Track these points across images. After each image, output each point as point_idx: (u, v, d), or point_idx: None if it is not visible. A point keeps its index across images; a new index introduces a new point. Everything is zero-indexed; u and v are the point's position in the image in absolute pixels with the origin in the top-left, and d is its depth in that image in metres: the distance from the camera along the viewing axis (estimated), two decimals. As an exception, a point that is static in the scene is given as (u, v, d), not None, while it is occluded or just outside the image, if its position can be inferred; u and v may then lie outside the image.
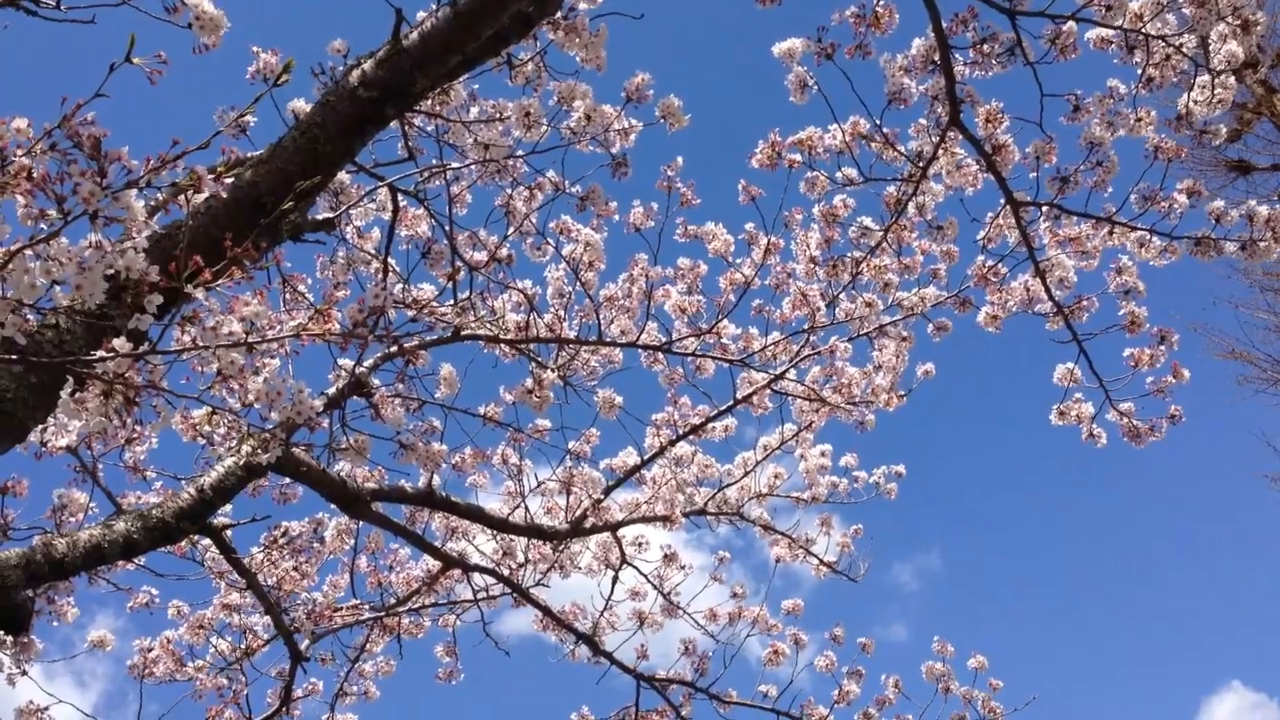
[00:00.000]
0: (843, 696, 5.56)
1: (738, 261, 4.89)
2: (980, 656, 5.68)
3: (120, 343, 2.10)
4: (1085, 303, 4.47)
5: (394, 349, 3.95)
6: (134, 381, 2.10)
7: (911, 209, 4.40)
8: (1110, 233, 4.27)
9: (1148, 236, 4.21)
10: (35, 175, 2.12)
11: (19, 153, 2.11)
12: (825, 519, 5.96)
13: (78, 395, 2.07)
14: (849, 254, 4.72)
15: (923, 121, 4.05)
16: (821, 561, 5.87)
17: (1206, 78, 3.78)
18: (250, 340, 2.26)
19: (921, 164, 4.12)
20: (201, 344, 2.25)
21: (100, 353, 2.11)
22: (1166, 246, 4.18)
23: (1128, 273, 4.45)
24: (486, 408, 4.67)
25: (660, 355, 4.98)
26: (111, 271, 2.16)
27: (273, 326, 2.33)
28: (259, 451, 3.31)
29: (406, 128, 3.81)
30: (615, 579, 5.43)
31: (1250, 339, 12.21)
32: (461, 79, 3.61)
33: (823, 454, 5.86)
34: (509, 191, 4.12)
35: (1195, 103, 3.81)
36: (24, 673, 3.58)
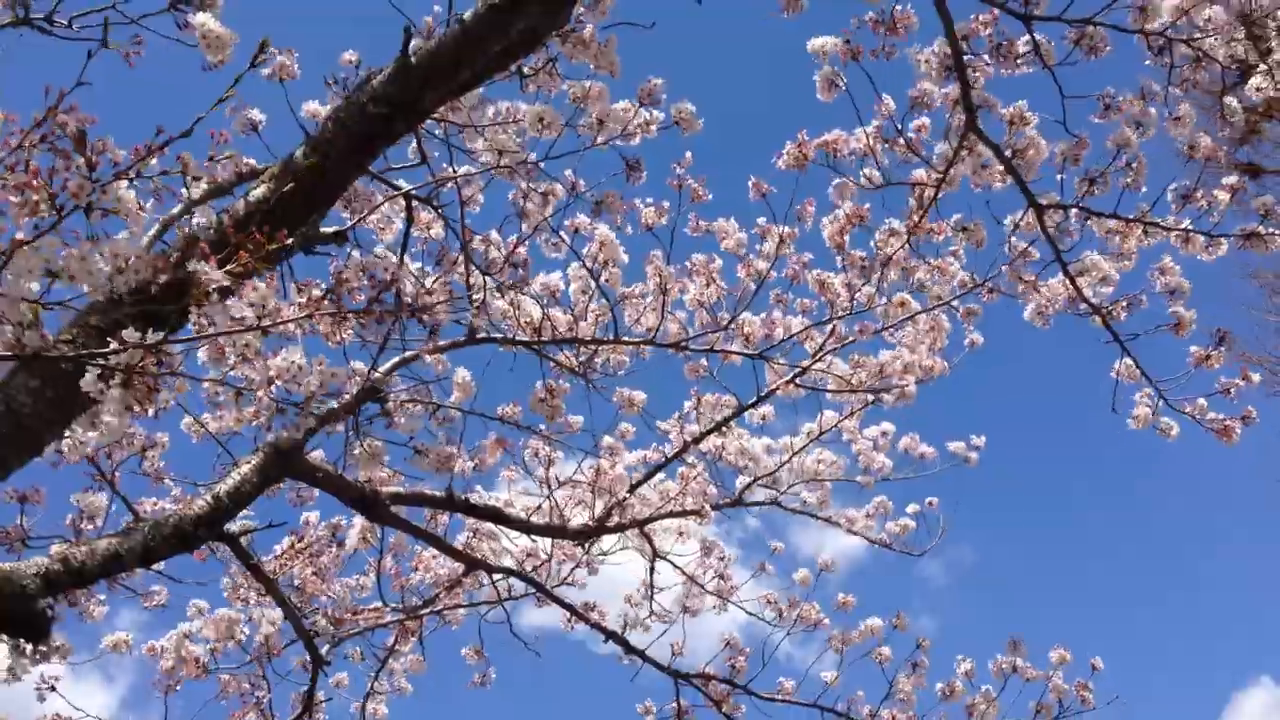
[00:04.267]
0: (899, 689, 5.45)
1: (752, 256, 4.88)
2: (1063, 650, 5.46)
3: (130, 333, 2.10)
4: (1125, 303, 4.41)
5: (409, 354, 3.95)
6: (151, 369, 2.10)
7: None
8: (1144, 232, 4.20)
9: (1189, 233, 4.13)
10: (29, 169, 2.13)
11: (10, 143, 2.12)
12: (881, 503, 5.96)
13: (100, 387, 2.08)
14: (874, 253, 4.70)
15: (947, 119, 4.02)
16: (874, 541, 5.83)
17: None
18: (264, 324, 2.26)
19: (942, 168, 4.08)
20: (212, 331, 2.26)
21: (114, 344, 2.12)
22: (1211, 242, 4.09)
23: (1171, 272, 4.38)
24: (506, 408, 4.65)
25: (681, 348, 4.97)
26: (110, 264, 2.17)
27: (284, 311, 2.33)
28: (285, 434, 3.31)
29: (419, 129, 3.81)
30: (652, 569, 5.40)
31: (1261, 342, 12.05)
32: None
33: (884, 434, 5.82)
34: (524, 186, 4.09)
35: (1258, 89, 3.72)
36: (52, 688, 3.58)
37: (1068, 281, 4.39)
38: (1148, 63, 3.77)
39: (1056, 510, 18.61)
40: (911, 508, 6.03)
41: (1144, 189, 4.07)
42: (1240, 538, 17.95)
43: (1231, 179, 4.12)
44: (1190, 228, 4.11)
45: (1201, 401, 4.53)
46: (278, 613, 4.69)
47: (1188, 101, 3.92)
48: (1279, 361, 11.63)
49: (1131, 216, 4.15)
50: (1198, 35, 3.63)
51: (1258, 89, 3.82)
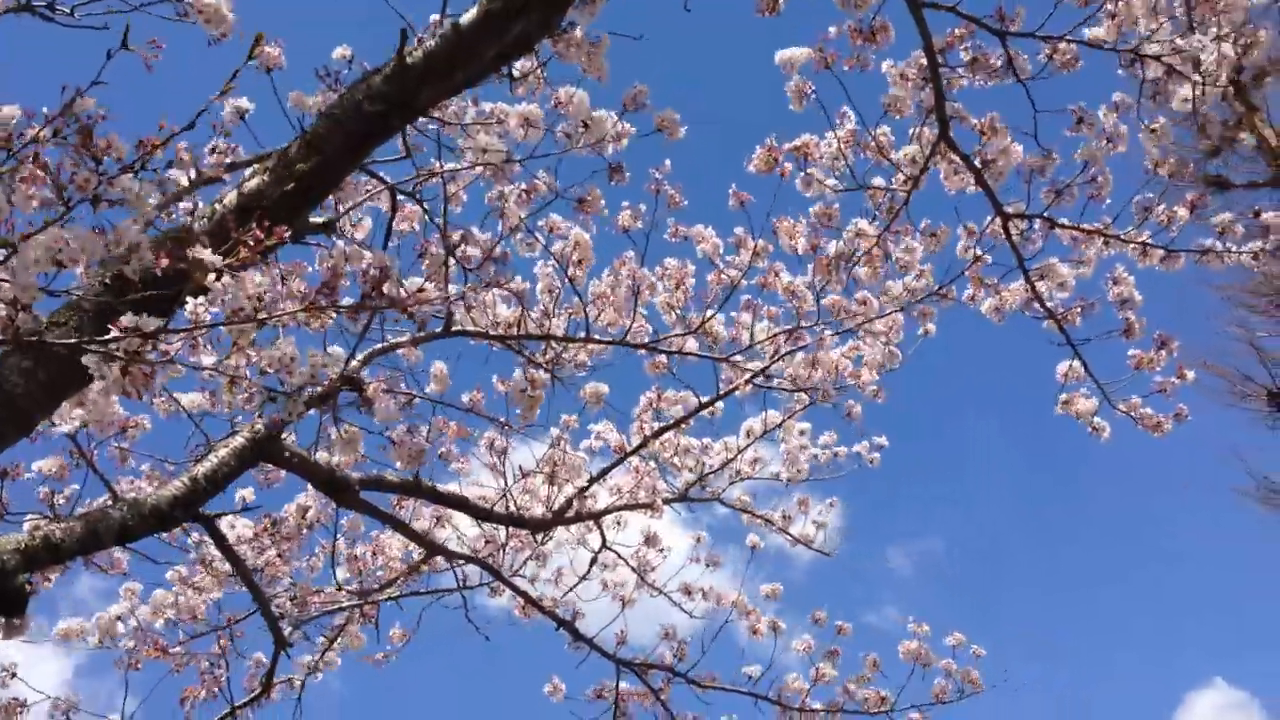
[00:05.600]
0: (820, 676, 5.67)
1: (726, 260, 5.01)
2: (958, 634, 5.83)
3: (128, 319, 2.17)
4: (1079, 308, 4.60)
5: (387, 344, 4.01)
6: (147, 356, 2.17)
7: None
8: (1105, 243, 4.37)
9: (1148, 245, 4.30)
10: (40, 161, 2.19)
11: (27, 135, 2.18)
12: (803, 499, 6.10)
13: (103, 368, 2.14)
14: (837, 254, 4.83)
15: (913, 132, 4.15)
16: (795, 539, 6.01)
17: (1196, 78, 3.80)
18: (261, 317, 2.34)
19: (914, 174, 4.21)
20: (211, 323, 2.34)
21: (115, 332, 2.18)
22: (1169, 255, 4.27)
23: (1124, 283, 4.57)
24: (472, 395, 4.73)
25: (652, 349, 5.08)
26: (116, 255, 2.24)
27: (278, 302, 2.41)
28: (273, 419, 3.37)
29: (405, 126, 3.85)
30: (594, 560, 5.54)
31: (1221, 351, 12.23)
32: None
33: (801, 432, 5.96)
34: (503, 191, 4.16)
35: (1185, 100, 3.80)
36: (14, 675, 3.62)
37: (1028, 286, 4.57)
38: (1120, 72, 3.89)
39: (1016, 507, 19.05)
40: (818, 508, 6.19)
41: (1108, 201, 4.23)
42: (1201, 541, 18.53)
43: (1191, 194, 4.29)
44: (1149, 241, 4.28)
45: (1135, 400, 4.86)
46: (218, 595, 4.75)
47: (1162, 115, 4.05)
48: (1237, 373, 11.86)
49: (1093, 227, 4.31)
50: (1172, 53, 3.74)
51: (1184, 100, 3.89)
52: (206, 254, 2.26)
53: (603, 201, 4.19)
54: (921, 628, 5.82)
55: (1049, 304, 4.60)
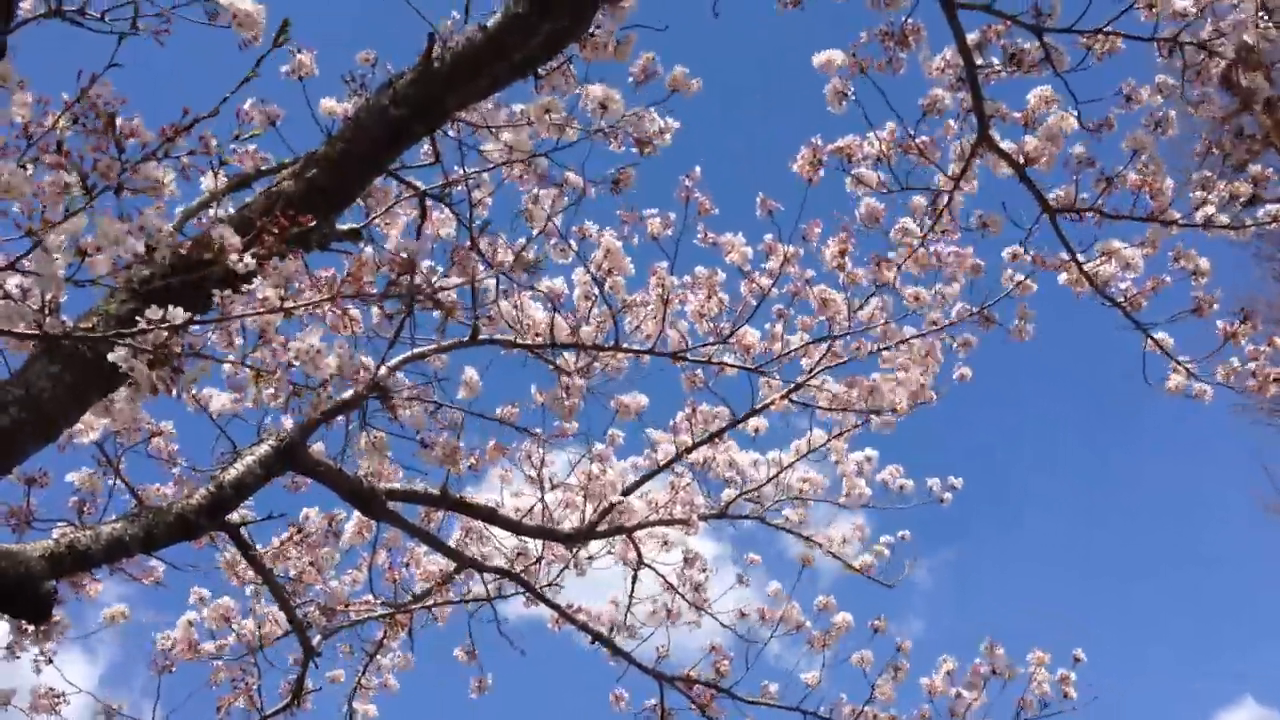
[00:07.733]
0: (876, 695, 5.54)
1: (756, 272, 4.96)
2: (1041, 653, 5.61)
3: (154, 311, 2.14)
4: (1151, 287, 4.43)
5: (415, 352, 3.99)
6: (176, 349, 2.14)
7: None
8: (1166, 226, 4.16)
9: (1215, 218, 4.09)
10: (61, 149, 2.18)
11: (44, 125, 2.17)
12: (859, 526, 5.97)
13: (131, 363, 2.11)
14: (877, 256, 4.74)
15: (952, 124, 4.05)
16: (851, 567, 5.87)
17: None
18: (286, 306, 2.31)
19: (955, 175, 4.11)
20: (237, 313, 2.31)
21: (142, 324, 2.15)
22: (1240, 227, 4.09)
23: (1188, 258, 4.37)
24: (503, 409, 4.69)
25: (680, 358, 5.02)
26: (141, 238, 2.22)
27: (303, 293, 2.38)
28: (300, 420, 3.34)
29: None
30: (635, 579, 5.45)
31: None
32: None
33: (868, 459, 5.83)
34: (536, 192, 4.13)
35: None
36: (50, 660, 3.62)
37: (1099, 265, 4.38)
38: (1160, 59, 3.74)
39: (1040, 517, 18.69)
40: (885, 539, 6.02)
41: (1168, 189, 4.08)
42: (1231, 555, 18.09)
43: (1256, 169, 4.12)
44: (1208, 223, 4.08)
45: (1235, 363, 4.56)
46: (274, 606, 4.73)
47: (1188, 102, 3.90)
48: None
49: (1146, 216, 4.13)
50: (1213, 38, 3.60)
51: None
52: (229, 231, 2.23)
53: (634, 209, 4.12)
54: (996, 650, 5.61)
55: (1113, 286, 4.42)
